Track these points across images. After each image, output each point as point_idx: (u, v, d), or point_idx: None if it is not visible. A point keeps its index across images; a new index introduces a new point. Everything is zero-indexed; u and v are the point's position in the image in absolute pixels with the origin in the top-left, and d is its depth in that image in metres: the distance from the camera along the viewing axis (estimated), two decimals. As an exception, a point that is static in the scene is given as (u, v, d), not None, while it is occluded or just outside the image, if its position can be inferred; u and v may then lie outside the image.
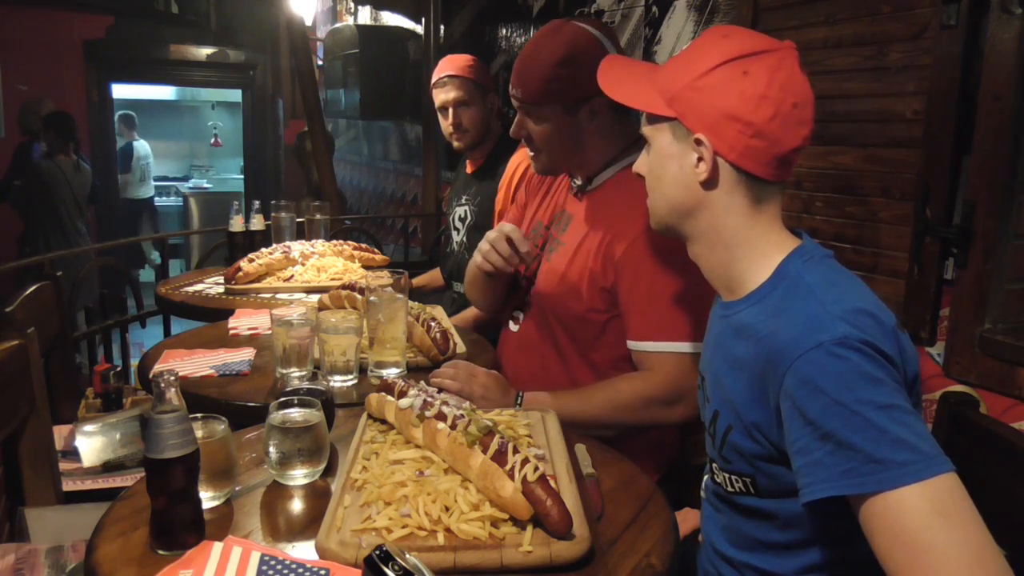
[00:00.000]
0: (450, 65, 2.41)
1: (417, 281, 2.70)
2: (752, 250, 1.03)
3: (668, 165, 1.06)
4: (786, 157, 1.00)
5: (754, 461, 0.99)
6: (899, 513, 0.80)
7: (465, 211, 2.51)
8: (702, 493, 1.19)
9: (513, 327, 1.74)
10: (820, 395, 0.85)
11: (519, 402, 1.47)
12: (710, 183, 1.02)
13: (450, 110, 2.41)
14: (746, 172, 1.00)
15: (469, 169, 2.56)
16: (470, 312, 2.22)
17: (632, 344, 1.51)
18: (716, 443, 1.06)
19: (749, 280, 1.03)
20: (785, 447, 0.92)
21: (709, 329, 1.16)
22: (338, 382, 1.50)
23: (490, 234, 1.62)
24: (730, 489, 1.05)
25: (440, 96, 2.42)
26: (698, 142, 1.01)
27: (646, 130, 1.09)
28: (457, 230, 2.55)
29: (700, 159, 1.02)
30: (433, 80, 2.45)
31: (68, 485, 1.69)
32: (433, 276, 2.76)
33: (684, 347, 1.45)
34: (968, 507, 0.80)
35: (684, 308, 1.46)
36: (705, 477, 1.17)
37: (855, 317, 0.88)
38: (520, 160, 2.31)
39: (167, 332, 3.22)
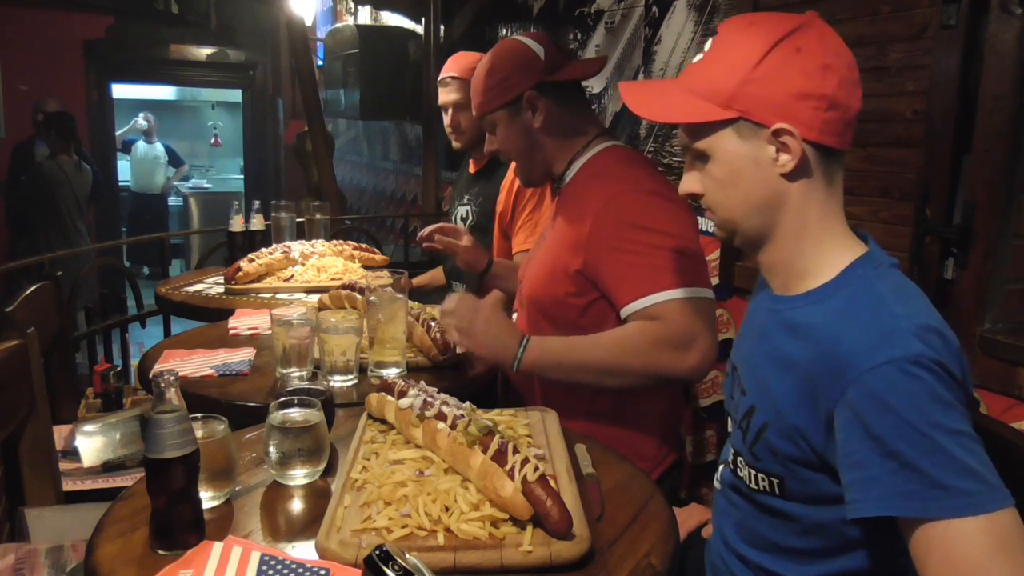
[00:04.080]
0: (455, 65, 2.41)
1: (418, 281, 2.70)
2: (819, 243, 1.00)
3: (743, 168, 1.00)
4: (852, 121, 0.98)
5: (788, 464, 0.97)
6: (961, 543, 0.79)
7: (467, 211, 2.51)
8: (716, 484, 1.16)
9: (513, 318, 1.76)
10: (889, 412, 0.82)
11: (525, 344, 1.42)
12: (795, 172, 0.98)
13: (449, 110, 2.42)
14: (824, 148, 0.98)
15: (472, 169, 2.56)
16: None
17: (625, 311, 1.43)
18: (747, 439, 1.03)
19: (811, 277, 1.00)
20: (828, 456, 0.90)
21: (748, 320, 1.13)
22: (338, 382, 1.50)
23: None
24: (752, 486, 1.03)
25: (442, 95, 2.43)
26: (777, 133, 0.96)
27: (700, 145, 1.02)
28: None
29: (779, 150, 0.97)
30: (440, 77, 2.46)
31: (68, 485, 1.68)
32: (434, 275, 2.75)
33: (678, 293, 1.39)
34: None
35: (663, 262, 1.41)
36: (721, 468, 1.14)
37: (927, 335, 0.85)
38: None
39: (167, 332, 3.22)
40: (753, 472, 1.03)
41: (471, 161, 2.57)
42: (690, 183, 1.06)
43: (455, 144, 2.50)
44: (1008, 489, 0.81)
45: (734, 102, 0.97)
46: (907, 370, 0.83)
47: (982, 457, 0.82)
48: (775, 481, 1.00)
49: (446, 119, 2.45)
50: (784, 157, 0.97)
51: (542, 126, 1.62)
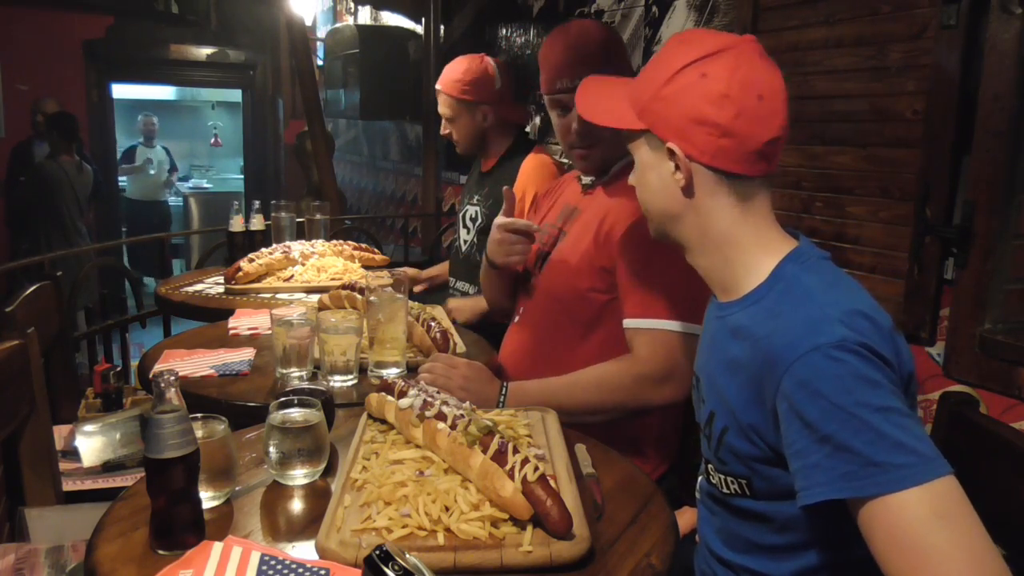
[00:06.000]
0: (444, 77, 2.41)
1: (427, 273, 2.69)
2: (745, 251, 1.03)
3: (649, 176, 1.07)
4: (762, 151, 0.99)
5: (750, 463, 0.99)
6: (899, 516, 0.80)
7: (476, 212, 2.49)
8: (696, 494, 1.19)
9: (516, 319, 1.78)
10: (818, 398, 0.85)
11: (504, 392, 1.45)
12: (689, 189, 1.03)
13: (442, 121, 2.45)
14: (724, 172, 1.00)
15: (484, 167, 2.55)
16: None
17: (627, 322, 1.51)
18: (712, 444, 1.06)
19: (745, 281, 1.03)
20: (782, 449, 0.92)
21: (704, 330, 1.16)
22: (338, 382, 1.50)
23: (493, 236, 1.72)
24: (725, 491, 1.05)
25: (437, 103, 2.46)
26: (670, 152, 1.02)
27: (629, 146, 1.10)
28: (467, 228, 2.53)
29: (676, 166, 1.02)
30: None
31: (68, 485, 1.68)
32: (444, 268, 2.74)
33: (675, 326, 1.45)
34: (967, 509, 0.80)
35: (678, 290, 1.45)
36: (699, 478, 1.16)
37: (852, 319, 0.88)
38: (532, 169, 2.30)
39: (167, 332, 3.22)
40: (722, 477, 1.05)
41: (482, 160, 2.56)
42: (631, 176, 1.14)
43: (457, 148, 2.52)
44: (1004, 486, 0.81)
45: (644, 115, 1.04)
46: (831, 355, 0.85)
47: (915, 430, 0.83)
48: (743, 482, 1.02)
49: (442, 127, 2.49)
50: (678, 175, 1.02)
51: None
